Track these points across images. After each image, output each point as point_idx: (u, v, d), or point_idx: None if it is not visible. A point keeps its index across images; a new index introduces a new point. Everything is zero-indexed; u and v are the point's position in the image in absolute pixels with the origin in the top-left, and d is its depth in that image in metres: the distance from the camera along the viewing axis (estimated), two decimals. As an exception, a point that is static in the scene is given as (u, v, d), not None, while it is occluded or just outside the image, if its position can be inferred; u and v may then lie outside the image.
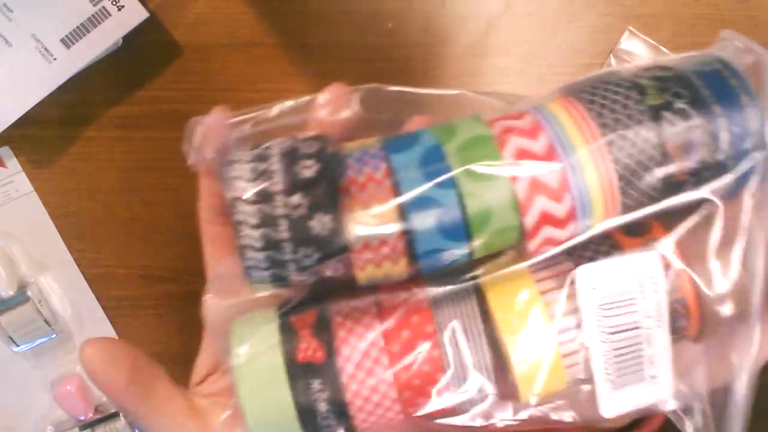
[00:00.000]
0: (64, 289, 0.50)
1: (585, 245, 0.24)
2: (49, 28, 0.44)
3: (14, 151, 0.48)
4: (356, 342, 0.24)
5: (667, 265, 0.24)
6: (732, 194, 0.24)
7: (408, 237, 0.22)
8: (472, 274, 0.24)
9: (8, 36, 0.44)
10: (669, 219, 0.24)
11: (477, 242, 0.22)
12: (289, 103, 0.26)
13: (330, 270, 0.23)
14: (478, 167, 0.22)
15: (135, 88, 0.47)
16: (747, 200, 0.24)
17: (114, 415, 0.51)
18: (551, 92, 0.25)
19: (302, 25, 0.46)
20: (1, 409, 0.52)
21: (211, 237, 0.28)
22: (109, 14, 0.44)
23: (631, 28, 0.45)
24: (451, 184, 0.22)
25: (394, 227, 0.22)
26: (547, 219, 0.23)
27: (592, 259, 0.24)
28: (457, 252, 0.22)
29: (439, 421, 0.25)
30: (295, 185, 0.22)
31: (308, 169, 0.22)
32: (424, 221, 0.22)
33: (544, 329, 0.23)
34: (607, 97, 0.23)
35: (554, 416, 0.25)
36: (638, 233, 0.24)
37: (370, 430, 0.25)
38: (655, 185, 0.23)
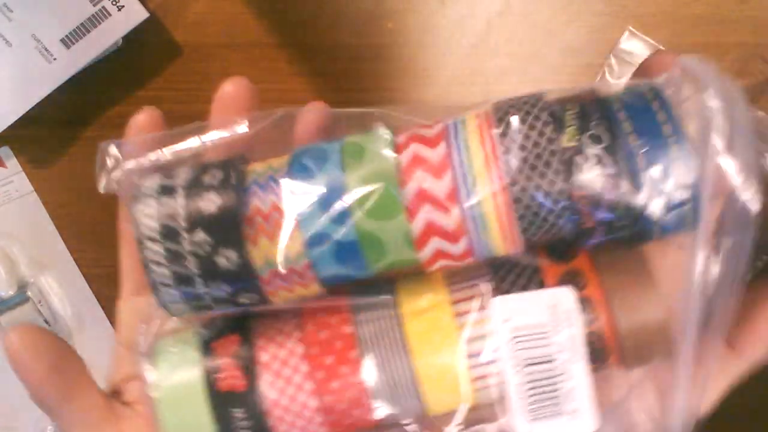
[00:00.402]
0: (64, 289, 0.50)
1: (509, 268, 0.24)
2: (49, 28, 0.44)
3: (14, 151, 0.48)
4: (279, 368, 0.24)
5: (587, 297, 0.23)
6: (653, 238, 0.22)
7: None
8: (391, 295, 0.24)
9: (8, 36, 0.44)
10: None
11: (376, 269, 0.23)
12: (201, 124, 0.26)
13: (245, 299, 0.23)
14: (377, 205, 0.22)
15: (135, 88, 0.47)
16: (674, 247, 0.23)
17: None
18: (485, 104, 0.24)
19: (302, 25, 0.46)
20: (1, 409, 0.52)
21: (126, 238, 0.28)
22: (109, 14, 0.44)
23: (631, 28, 0.45)
24: (349, 220, 0.22)
25: (299, 257, 0.22)
26: (443, 255, 0.23)
27: (513, 282, 0.24)
28: (360, 275, 0.23)
29: None
30: (198, 222, 0.22)
31: (211, 204, 0.22)
32: (324, 254, 0.22)
33: (455, 354, 0.23)
34: (521, 131, 0.22)
35: None
36: (563, 259, 0.24)
37: None
38: (561, 228, 0.22)
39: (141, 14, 0.44)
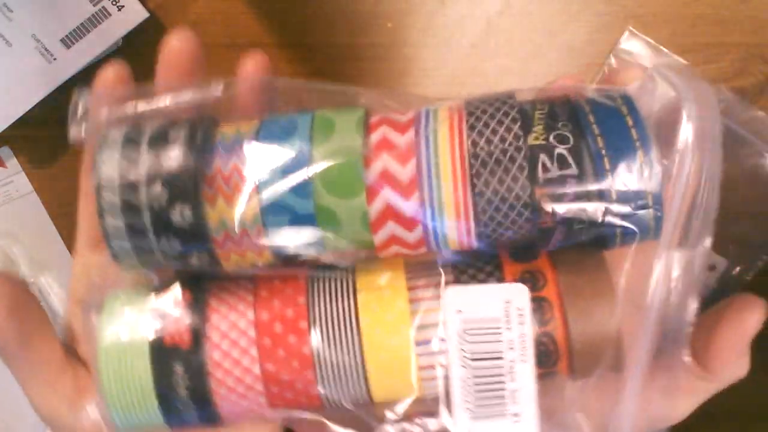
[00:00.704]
0: (64, 289, 0.50)
1: (470, 263, 0.24)
2: (49, 28, 0.44)
3: (14, 151, 0.48)
4: (226, 330, 0.24)
5: (543, 297, 0.23)
6: (615, 245, 0.22)
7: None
8: (349, 273, 0.24)
9: (8, 36, 0.44)
10: (559, 248, 0.23)
11: (330, 246, 0.23)
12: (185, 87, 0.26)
13: (195, 259, 0.23)
14: (338, 181, 0.22)
15: (135, 88, 0.47)
16: (629, 256, 0.22)
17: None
18: (458, 98, 0.24)
19: (302, 25, 0.46)
20: (1, 409, 0.52)
21: (86, 190, 0.27)
22: (109, 14, 0.44)
23: (631, 28, 0.45)
24: (309, 192, 0.22)
25: (254, 222, 0.22)
26: (396, 241, 0.23)
27: (472, 276, 0.24)
28: (312, 251, 0.23)
29: (307, 417, 0.24)
30: (157, 175, 0.22)
31: (172, 159, 0.22)
32: (279, 224, 0.22)
33: (405, 338, 0.23)
34: (489, 125, 0.22)
35: None
36: (524, 259, 0.24)
37: (234, 417, 0.24)
38: (521, 226, 0.22)
39: (141, 14, 0.44)
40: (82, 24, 0.44)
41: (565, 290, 0.23)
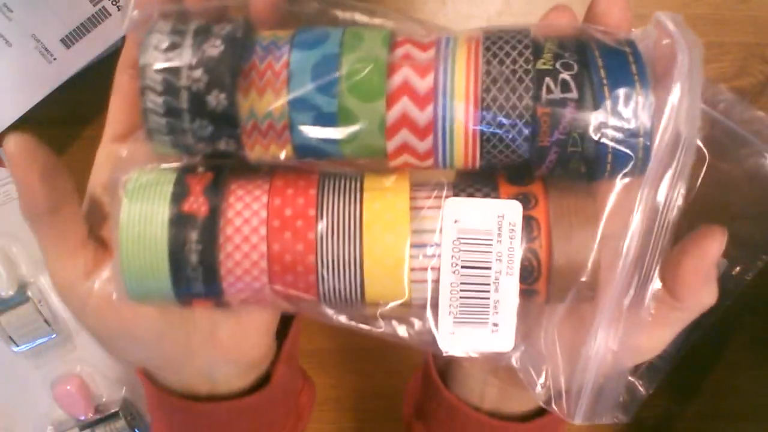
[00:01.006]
0: (64, 289, 0.50)
1: (470, 182, 0.26)
2: (49, 28, 0.44)
3: (14, 151, 0.48)
4: (241, 209, 0.26)
5: (533, 217, 0.25)
6: (605, 173, 0.24)
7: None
8: (358, 175, 0.26)
9: (8, 36, 0.44)
10: (554, 174, 0.25)
11: (346, 150, 0.25)
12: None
13: (223, 144, 0.25)
14: (362, 85, 0.24)
15: (135, 88, 0.47)
16: (617, 184, 0.24)
17: (114, 416, 0.51)
18: (479, 29, 0.26)
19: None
20: (1, 409, 0.52)
21: (119, 85, 0.29)
22: (109, 14, 0.44)
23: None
24: (334, 93, 0.24)
25: (281, 117, 0.24)
26: (407, 149, 0.25)
27: (470, 194, 0.26)
28: (330, 151, 0.25)
29: (303, 305, 0.26)
30: (199, 61, 0.24)
31: (214, 49, 0.24)
32: (303, 121, 0.24)
33: (402, 241, 0.25)
34: (503, 50, 0.24)
35: (405, 333, 0.26)
36: (518, 182, 0.26)
37: (235, 293, 0.26)
38: (519, 146, 0.24)
39: (141, 14, 0.44)
40: (82, 24, 0.44)
41: (553, 212, 0.25)
